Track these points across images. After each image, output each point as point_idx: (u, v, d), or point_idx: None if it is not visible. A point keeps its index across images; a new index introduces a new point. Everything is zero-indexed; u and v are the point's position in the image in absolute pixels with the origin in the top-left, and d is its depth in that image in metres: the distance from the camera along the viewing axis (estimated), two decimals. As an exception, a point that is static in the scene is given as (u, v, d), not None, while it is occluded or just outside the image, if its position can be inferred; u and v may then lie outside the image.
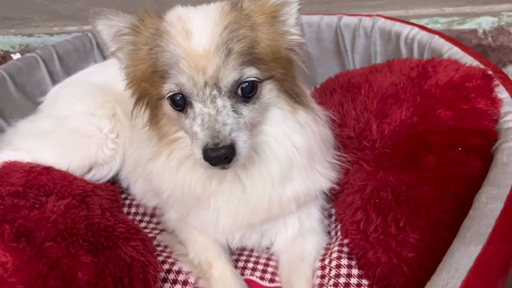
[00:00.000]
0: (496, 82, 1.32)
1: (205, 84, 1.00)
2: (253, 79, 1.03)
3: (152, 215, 1.58)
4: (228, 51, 0.99)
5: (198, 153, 1.00)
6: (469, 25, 1.94)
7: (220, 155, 0.98)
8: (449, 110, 1.27)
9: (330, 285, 1.19)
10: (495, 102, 1.27)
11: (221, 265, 1.28)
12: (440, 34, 1.63)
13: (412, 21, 1.93)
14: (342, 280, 1.19)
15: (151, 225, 1.54)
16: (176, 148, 1.19)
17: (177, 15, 1.06)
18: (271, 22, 1.09)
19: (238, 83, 1.02)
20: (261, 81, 1.05)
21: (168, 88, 1.04)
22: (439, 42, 1.59)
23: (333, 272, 1.22)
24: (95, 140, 1.53)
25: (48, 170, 1.48)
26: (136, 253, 1.21)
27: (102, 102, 1.57)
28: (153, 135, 1.21)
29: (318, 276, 1.25)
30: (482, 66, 1.38)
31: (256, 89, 1.05)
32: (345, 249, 1.28)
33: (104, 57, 2.06)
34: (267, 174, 1.17)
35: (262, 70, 1.05)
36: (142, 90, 1.14)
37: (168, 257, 1.36)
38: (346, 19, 1.89)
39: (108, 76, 1.59)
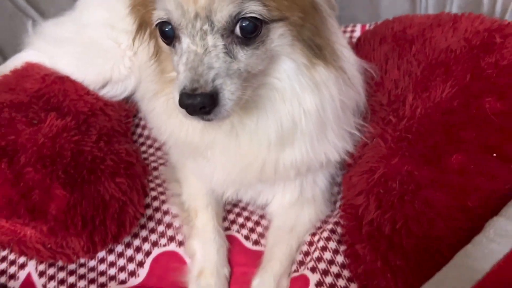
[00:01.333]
0: None
1: (196, 15, 0.87)
2: (256, 15, 0.87)
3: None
4: None
5: (176, 97, 0.88)
6: None
7: (195, 103, 0.85)
8: (499, 101, 1.03)
9: (308, 268, 1.12)
10: None
11: (206, 217, 1.27)
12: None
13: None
14: (321, 265, 1.12)
15: (158, 153, 1.54)
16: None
17: None
18: None
19: (236, 19, 0.87)
20: (268, 21, 0.89)
21: (157, 15, 0.93)
22: (529, 0, 1.26)
23: (316, 254, 1.14)
24: (111, 56, 1.52)
25: (63, 80, 1.50)
26: (118, 190, 1.22)
27: (125, 15, 1.46)
28: (157, 70, 1.12)
29: (302, 252, 1.20)
30: None
31: (260, 30, 0.90)
32: (339, 229, 1.19)
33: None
34: (263, 134, 1.06)
35: (271, 8, 0.89)
36: (140, 16, 1.03)
37: (162, 193, 1.38)
38: None
39: None
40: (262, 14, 0.87)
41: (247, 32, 0.88)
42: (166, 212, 1.32)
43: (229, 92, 0.88)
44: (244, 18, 0.86)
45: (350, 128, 1.17)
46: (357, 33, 1.75)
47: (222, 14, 0.86)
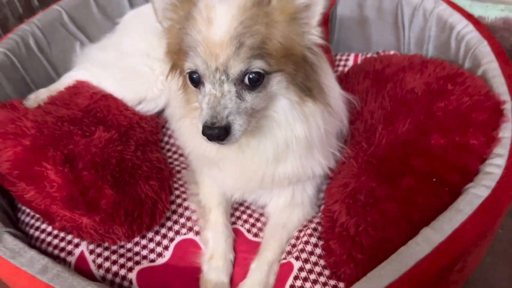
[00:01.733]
0: (506, 117, 1.34)
1: (216, 69, 1.13)
2: (259, 70, 1.14)
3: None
4: (239, 44, 1.10)
5: (200, 127, 1.15)
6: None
7: (213, 133, 1.12)
8: (443, 139, 1.33)
9: (293, 257, 1.42)
10: (491, 141, 1.31)
11: (218, 213, 1.55)
12: (491, 39, 1.58)
13: (486, 5, 1.85)
14: (303, 255, 1.42)
15: (181, 158, 1.84)
16: (197, 115, 1.35)
17: (205, 4, 1.16)
18: (289, 22, 1.16)
19: (245, 73, 1.13)
20: (269, 73, 1.16)
21: (188, 66, 1.19)
22: (484, 50, 1.56)
23: (300, 246, 1.45)
24: (146, 80, 1.79)
25: (107, 97, 1.79)
26: (151, 191, 1.52)
27: (158, 45, 1.71)
28: (184, 99, 1.41)
29: (290, 244, 1.49)
30: (502, 97, 1.38)
31: (263, 79, 1.16)
32: (319, 228, 1.49)
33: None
34: (263, 152, 1.33)
35: (271, 64, 1.15)
36: (174, 60, 1.32)
37: (184, 192, 1.67)
38: None
39: None
40: (264, 69, 1.14)
41: (253, 81, 1.15)
42: (186, 208, 1.61)
43: (238, 125, 1.14)
44: (251, 72, 1.14)
45: (332, 149, 1.47)
46: (351, 62, 2.05)
47: (235, 70, 1.12)
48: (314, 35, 1.20)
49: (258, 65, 1.13)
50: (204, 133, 1.14)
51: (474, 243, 1.16)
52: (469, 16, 1.70)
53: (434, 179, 1.29)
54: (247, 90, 1.16)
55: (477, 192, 1.20)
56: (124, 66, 1.81)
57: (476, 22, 1.66)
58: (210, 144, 1.26)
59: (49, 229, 1.55)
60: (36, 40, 1.91)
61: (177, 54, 1.27)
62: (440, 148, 1.33)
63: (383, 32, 2.04)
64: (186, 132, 1.45)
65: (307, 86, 1.24)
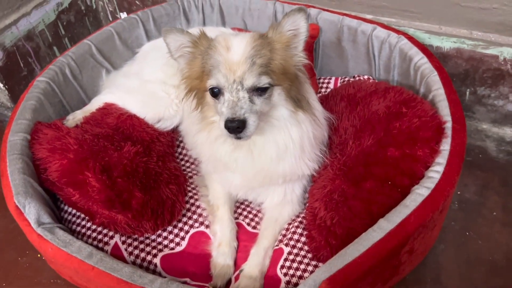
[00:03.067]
0: (446, 134, 1.71)
1: (234, 81, 1.42)
2: (266, 85, 1.45)
3: (195, 159, 2.20)
4: (252, 62, 1.42)
5: (222, 124, 1.41)
6: (492, 51, 2.17)
7: (235, 125, 1.38)
8: (397, 151, 1.67)
9: (283, 244, 1.73)
10: (434, 153, 1.65)
11: (224, 210, 1.81)
12: (441, 70, 1.94)
13: (442, 38, 2.22)
14: (292, 242, 1.73)
15: (192, 166, 2.15)
16: (213, 128, 1.61)
17: (223, 37, 1.50)
18: (285, 48, 1.51)
19: (256, 83, 1.44)
20: (272, 86, 1.47)
21: (210, 83, 1.48)
22: (434, 79, 1.91)
23: (289, 235, 1.76)
24: (163, 103, 2.07)
25: (132, 117, 2.08)
26: (170, 193, 1.85)
27: (172, 74, 2.04)
28: (198, 117, 1.66)
29: (281, 234, 1.76)
30: (445, 118, 1.75)
31: (268, 90, 1.47)
32: (304, 221, 1.80)
33: (188, 21, 2.59)
34: (268, 152, 1.60)
35: (274, 79, 1.46)
36: (193, 85, 1.59)
37: (195, 194, 1.98)
38: (378, 31, 2.19)
39: None
40: (269, 83, 1.45)
41: (262, 90, 1.46)
42: (198, 206, 1.87)
43: (252, 121, 1.42)
44: (260, 84, 1.44)
45: (318, 153, 1.74)
46: (331, 84, 2.38)
47: (249, 82, 1.43)
48: (301, 57, 1.54)
49: (265, 80, 1.45)
50: (226, 126, 1.40)
51: (417, 230, 1.48)
52: (424, 50, 2.05)
53: (389, 182, 1.64)
54: (257, 96, 1.46)
55: (420, 192, 1.52)
56: (145, 92, 2.08)
57: (429, 55, 2.03)
58: (223, 146, 1.61)
59: (88, 225, 1.82)
60: (71, 70, 2.20)
61: (199, 77, 1.56)
62: (394, 159, 1.67)
63: (358, 60, 2.33)
64: (203, 143, 1.70)
65: (298, 99, 1.55)
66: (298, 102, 1.56)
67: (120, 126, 2.05)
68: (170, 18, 2.57)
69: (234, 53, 1.44)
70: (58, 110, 2.14)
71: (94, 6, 3.03)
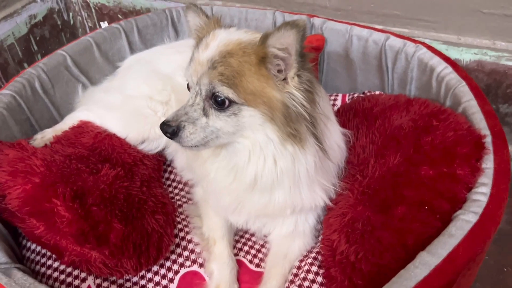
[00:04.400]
0: (487, 150, 1.46)
1: (196, 82, 1.29)
2: (222, 96, 1.24)
3: (185, 184, 1.94)
4: (213, 67, 1.25)
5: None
6: (518, 62, 1.97)
7: (163, 128, 1.30)
8: (431, 170, 1.44)
9: (296, 285, 1.48)
10: (475, 171, 1.42)
11: (223, 245, 1.59)
12: (468, 80, 1.73)
13: (461, 49, 2.02)
14: (306, 283, 1.49)
15: (182, 193, 1.91)
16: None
17: (215, 32, 1.33)
18: (259, 66, 1.23)
19: (212, 92, 1.26)
20: (235, 102, 1.24)
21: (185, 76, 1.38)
22: (463, 90, 1.69)
23: (302, 275, 1.52)
24: (149, 121, 1.84)
25: (111, 136, 1.84)
26: (157, 225, 1.58)
27: (161, 89, 1.88)
28: None
29: (292, 273, 1.54)
30: (483, 131, 1.51)
31: (230, 106, 1.25)
32: (319, 257, 1.56)
33: (177, 32, 2.35)
34: (248, 177, 1.37)
35: (240, 97, 1.23)
36: None
37: (186, 226, 1.73)
38: (392, 40, 1.99)
39: (172, 68, 1.92)
40: (228, 97, 1.23)
41: (217, 103, 1.26)
42: (189, 241, 1.65)
43: (188, 132, 1.29)
44: (217, 94, 1.24)
45: (329, 184, 1.52)
46: (339, 101, 2.16)
47: (203, 86, 1.27)
48: (294, 87, 1.24)
49: (223, 91, 1.24)
50: (160, 126, 1.32)
51: (467, 264, 1.25)
52: (447, 59, 1.85)
53: (426, 207, 1.39)
54: (214, 109, 1.28)
55: (467, 218, 1.30)
56: (128, 108, 1.88)
57: (454, 64, 1.81)
58: (212, 165, 1.47)
59: (55, 265, 1.59)
60: (41, 83, 1.97)
61: None
62: (430, 179, 1.43)
63: (368, 74, 2.14)
64: (195, 159, 1.60)
65: (289, 132, 1.27)
66: (290, 135, 1.29)
67: (97, 147, 1.80)
68: (157, 29, 2.35)
69: (205, 53, 1.29)
70: (25, 129, 1.91)
71: (72, 21, 2.79)
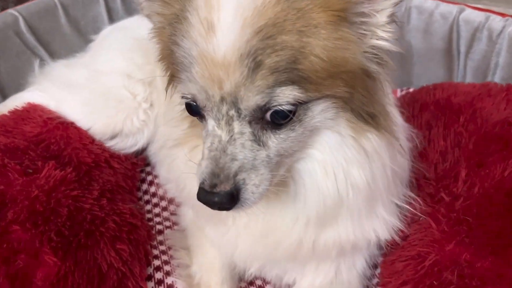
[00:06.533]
0: None
1: (222, 99, 0.81)
2: (288, 106, 0.79)
3: (171, 201, 1.45)
4: (255, 65, 0.76)
5: (196, 187, 0.84)
6: None
7: (212, 202, 0.81)
8: None
9: None
10: None
11: None
12: None
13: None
14: None
15: (165, 213, 1.42)
16: (200, 145, 0.97)
17: None
18: (338, 24, 0.81)
19: (266, 107, 0.80)
20: (305, 102, 0.82)
21: (181, 93, 0.87)
22: None
23: None
24: (125, 107, 1.45)
25: (67, 126, 1.41)
26: (118, 259, 1.10)
27: (143, 64, 1.48)
28: (187, 118, 1.04)
29: None
30: None
31: (295, 113, 0.82)
32: None
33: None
34: (301, 211, 0.96)
35: (309, 90, 0.81)
36: (172, 70, 0.93)
37: (167, 262, 1.24)
38: (468, 13, 1.53)
39: None
40: (296, 99, 0.79)
41: (279, 118, 0.81)
42: (170, 286, 1.20)
43: (253, 186, 0.83)
44: (276, 106, 0.79)
45: (399, 201, 1.05)
46: None
47: (248, 104, 0.79)
48: (382, 38, 0.85)
49: (285, 96, 0.78)
50: (199, 198, 0.83)
51: None
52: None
53: None
54: (271, 130, 0.84)
55: None
56: (97, 88, 1.48)
57: None
58: None
59: None
60: None
61: (173, 66, 0.91)
62: None
63: (430, 61, 1.70)
64: (182, 166, 1.04)
65: (369, 112, 0.91)
66: (368, 117, 0.92)
67: (44, 138, 1.35)
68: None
69: (220, 42, 0.77)
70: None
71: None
